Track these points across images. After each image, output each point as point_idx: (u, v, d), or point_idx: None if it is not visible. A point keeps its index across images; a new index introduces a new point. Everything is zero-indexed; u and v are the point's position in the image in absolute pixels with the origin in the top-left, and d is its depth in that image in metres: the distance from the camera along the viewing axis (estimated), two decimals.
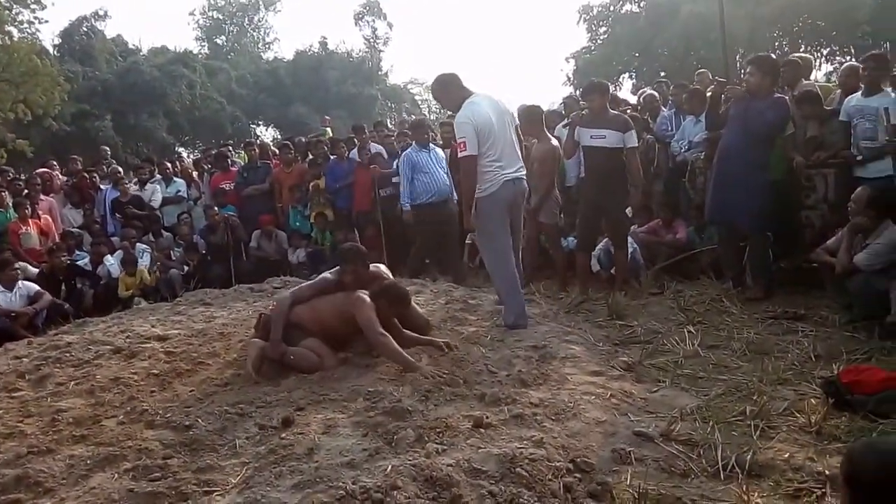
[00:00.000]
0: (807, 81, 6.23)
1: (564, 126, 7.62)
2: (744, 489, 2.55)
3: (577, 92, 27.04)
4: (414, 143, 7.58)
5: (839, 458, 2.67)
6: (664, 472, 2.80)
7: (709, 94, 6.49)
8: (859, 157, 5.39)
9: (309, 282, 4.74)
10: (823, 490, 2.57)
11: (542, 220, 6.68)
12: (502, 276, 4.87)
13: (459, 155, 4.74)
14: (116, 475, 2.91)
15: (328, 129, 14.56)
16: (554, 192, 6.65)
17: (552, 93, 67.47)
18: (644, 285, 6.19)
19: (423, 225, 7.34)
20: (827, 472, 2.64)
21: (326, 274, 4.66)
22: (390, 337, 4.04)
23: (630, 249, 6.41)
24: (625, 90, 30.13)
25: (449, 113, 7.13)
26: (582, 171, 6.61)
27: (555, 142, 6.64)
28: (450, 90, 4.85)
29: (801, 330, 4.61)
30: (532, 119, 6.56)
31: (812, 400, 3.37)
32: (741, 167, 5.38)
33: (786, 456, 2.84)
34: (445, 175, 7.31)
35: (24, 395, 4.22)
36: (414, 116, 17.42)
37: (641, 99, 8.85)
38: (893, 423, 3.07)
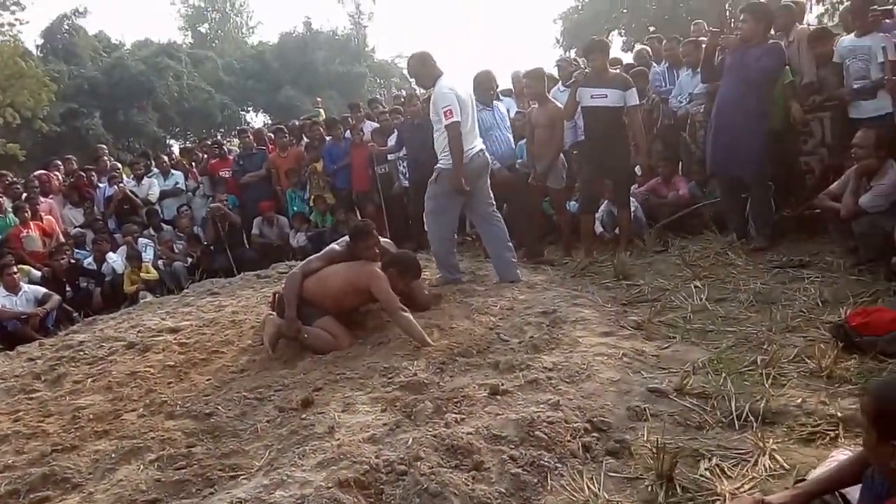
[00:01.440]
0: (801, 26, 6.15)
1: (562, 89, 7.59)
2: (759, 436, 2.59)
3: (568, 53, 26.87)
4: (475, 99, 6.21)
5: (851, 401, 2.73)
6: (680, 425, 2.84)
7: (702, 45, 6.44)
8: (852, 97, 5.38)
9: (316, 254, 4.75)
10: (837, 432, 2.61)
11: (550, 186, 6.61)
12: (441, 242, 5.39)
13: (447, 122, 5.03)
14: (142, 466, 2.96)
15: (321, 111, 14.49)
16: (561, 156, 6.61)
17: (541, 57, 66.79)
18: (648, 243, 6.20)
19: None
20: (839, 415, 2.68)
21: (334, 245, 4.70)
22: (409, 312, 4.10)
23: (632, 209, 6.41)
24: (615, 48, 29.82)
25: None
26: (579, 133, 6.57)
27: (558, 104, 6.52)
28: (426, 67, 5.20)
29: (806, 277, 4.63)
30: (536, 80, 6.46)
31: (821, 345, 3.40)
32: (740, 117, 5.36)
33: (798, 401, 2.87)
34: (510, 136, 6.52)
35: (42, 396, 4.28)
36: (405, 91, 17.28)
37: (635, 56, 8.76)
38: None
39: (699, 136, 6.48)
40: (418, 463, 2.54)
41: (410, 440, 2.73)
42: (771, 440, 2.58)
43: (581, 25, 30.48)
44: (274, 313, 4.41)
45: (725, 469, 2.46)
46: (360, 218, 8.05)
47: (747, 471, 2.43)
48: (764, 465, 2.44)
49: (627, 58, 8.85)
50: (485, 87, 6.34)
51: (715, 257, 5.46)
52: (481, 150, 5.31)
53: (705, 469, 2.46)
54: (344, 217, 8.35)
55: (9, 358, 5.49)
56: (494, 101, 6.47)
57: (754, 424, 2.74)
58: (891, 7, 5.28)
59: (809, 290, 4.36)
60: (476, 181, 5.24)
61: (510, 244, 5.37)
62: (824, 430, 2.64)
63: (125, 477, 2.89)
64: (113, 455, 3.11)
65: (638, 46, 8.62)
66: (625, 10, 31.34)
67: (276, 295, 4.46)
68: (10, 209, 8.21)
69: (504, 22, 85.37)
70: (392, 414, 3.09)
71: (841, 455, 1.87)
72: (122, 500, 2.70)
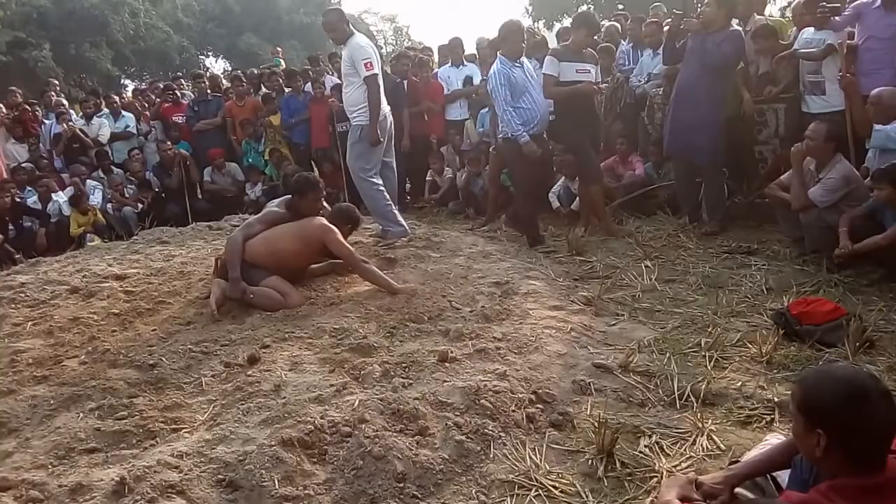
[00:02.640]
0: (759, 16, 6.22)
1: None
2: (698, 417, 2.68)
3: (536, 24, 26.68)
4: (500, 55, 5.77)
5: (788, 386, 2.83)
6: (623, 402, 2.92)
7: (665, 27, 6.45)
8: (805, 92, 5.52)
9: (255, 216, 4.68)
10: (772, 416, 2.71)
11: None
12: (377, 197, 5.53)
13: (367, 73, 5.26)
14: (82, 414, 2.91)
15: (281, 61, 14.06)
16: None
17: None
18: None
19: (522, 164, 5.68)
20: (776, 399, 2.78)
21: (272, 207, 4.65)
22: (370, 262, 4.18)
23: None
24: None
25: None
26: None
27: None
28: (342, 23, 5.45)
29: (754, 264, 4.77)
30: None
31: (763, 331, 3.52)
32: (697, 102, 5.42)
33: (738, 385, 2.98)
34: (542, 98, 5.73)
35: None
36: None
37: (605, 32, 8.73)
38: (839, 352, 3.24)
39: (657, 117, 6.52)
40: (363, 425, 2.55)
41: (357, 402, 2.73)
42: (710, 421, 2.68)
43: None
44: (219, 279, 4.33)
45: (664, 447, 2.54)
46: (317, 175, 7.90)
47: (685, 450, 2.52)
48: (702, 445, 2.53)
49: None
50: (515, 40, 5.67)
51: (667, 239, 5.58)
52: (389, 111, 5.60)
53: (645, 446, 2.54)
54: (293, 170, 8.18)
55: None
56: (522, 58, 5.74)
57: (695, 405, 2.83)
58: (838, 5, 5.36)
59: (756, 276, 4.49)
60: (384, 137, 5.52)
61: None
62: (761, 413, 2.74)
63: (63, 424, 2.83)
64: (52, 401, 3.04)
65: (607, 23, 8.56)
66: None
67: (218, 260, 4.37)
68: None
69: None
70: (339, 375, 3.09)
71: (775, 439, 1.94)
72: (60, 448, 2.64)
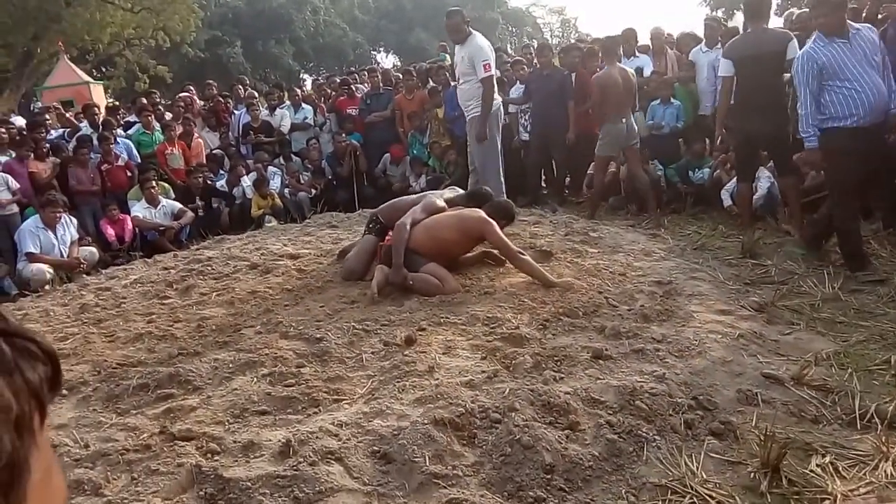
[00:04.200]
0: None
1: (705, 50, 7.21)
2: (883, 440, 2.42)
3: (715, 13, 25.17)
4: (818, 33, 4.42)
5: None
6: (793, 416, 2.69)
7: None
8: None
9: (419, 205, 4.80)
10: None
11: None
12: (499, 180, 6.09)
13: (485, 75, 5.73)
14: (255, 379, 3.16)
15: (447, 56, 14.38)
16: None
17: (684, 15, 63.04)
18: (781, 222, 5.81)
19: (846, 160, 4.36)
20: None
21: (432, 197, 4.81)
22: (528, 255, 4.26)
23: (767, 184, 6.00)
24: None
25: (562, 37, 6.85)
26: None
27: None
28: (464, 24, 5.86)
29: None
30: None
31: None
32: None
33: None
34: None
35: (173, 303, 4.63)
36: (536, 41, 16.83)
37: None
38: None
39: None
40: (513, 414, 2.56)
41: (507, 390, 2.75)
42: None
43: None
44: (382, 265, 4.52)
45: (840, 468, 2.31)
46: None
47: (865, 474, 2.28)
48: (885, 471, 2.27)
49: (778, 22, 8.09)
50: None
51: None
52: (500, 103, 6.23)
53: (817, 465, 2.33)
54: (454, 158, 8.34)
55: (146, 265, 5.98)
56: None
57: (879, 427, 2.55)
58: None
59: None
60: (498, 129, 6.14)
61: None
62: None
63: (240, 387, 3.09)
64: (230, 365, 3.33)
65: (797, 11, 7.91)
66: None
67: (383, 247, 4.56)
68: (159, 127, 8.79)
69: None
70: (491, 363, 3.11)
71: None
72: (235, 407, 2.89)
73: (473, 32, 5.85)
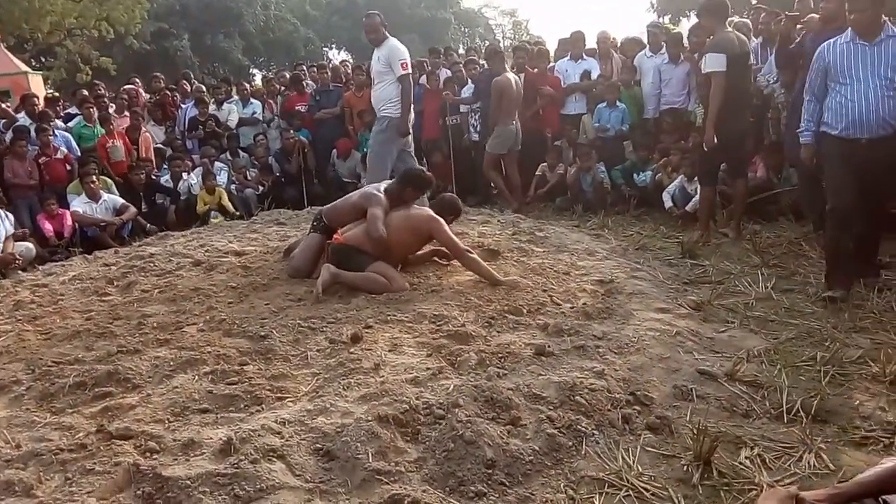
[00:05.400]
0: None
1: (649, 55, 7.39)
2: (807, 433, 2.54)
3: (661, 19, 25.76)
4: (850, 30, 4.06)
5: None
6: (726, 411, 2.79)
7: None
8: None
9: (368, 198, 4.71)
10: (892, 439, 2.52)
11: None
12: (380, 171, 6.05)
13: (402, 73, 5.91)
14: (197, 377, 3.11)
15: None
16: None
17: (631, 21, 64.30)
18: (720, 224, 6.00)
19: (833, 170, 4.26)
20: None
21: (370, 189, 4.73)
22: (475, 254, 4.32)
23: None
24: None
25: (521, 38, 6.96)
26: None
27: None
28: (382, 26, 6.05)
29: (885, 277, 4.41)
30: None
31: (889, 349, 3.25)
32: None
33: (855, 404, 2.78)
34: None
35: (113, 300, 4.51)
36: (488, 42, 16.98)
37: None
38: None
39: (783, 119, 6.12)
40: (456, 410, 2.59)
41: (451, 387, 2.78)
42: (819, 438, 2.52)
43: None
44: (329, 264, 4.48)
45: (767, 460, 2.41)
46: (427, 167, 8.02)
47: (790, 465, 2.39)
48: (808, 462, 2.38)
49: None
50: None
51: (787, 246, 5.26)
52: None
53: (746, 457, 2.43)
54: None
55: (86, 261, 5.81)
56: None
57: (804, 420, 2.66)
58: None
59: (885, 291, 4.15)
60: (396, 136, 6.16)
61: None
62: (879, 436, 2.55)
63: (181, 385, 3.04)
64: (171, 363, 3.27)
65: (736, 18, 8.15)
66: None
67: (329, 246, 4.53)
68: (98, 120, 8.52)
69: None
70: (436, 360, 3.15)
71: (891, 462, 1.80)
72: (176, 406, 2.85)
73: (389, 36, 6.05)
